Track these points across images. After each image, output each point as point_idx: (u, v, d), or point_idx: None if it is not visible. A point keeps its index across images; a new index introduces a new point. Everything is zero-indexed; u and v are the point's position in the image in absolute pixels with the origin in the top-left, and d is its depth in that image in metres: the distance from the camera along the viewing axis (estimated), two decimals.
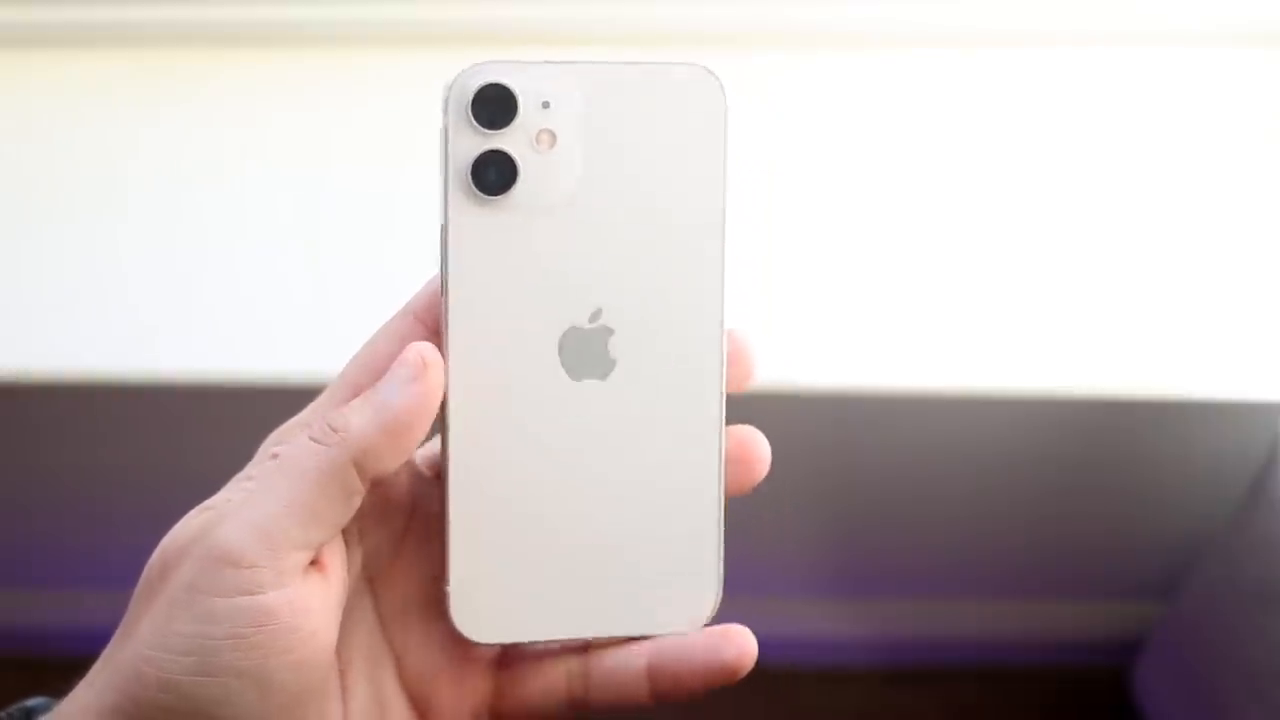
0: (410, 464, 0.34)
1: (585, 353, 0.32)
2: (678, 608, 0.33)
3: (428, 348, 0.31)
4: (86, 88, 0.74)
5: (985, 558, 0.94)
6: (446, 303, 0.31)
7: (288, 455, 0.30)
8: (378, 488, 0.31)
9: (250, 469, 0.32)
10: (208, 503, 0.32)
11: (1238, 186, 0.70)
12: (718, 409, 0.33)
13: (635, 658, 0.33)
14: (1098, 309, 0.65)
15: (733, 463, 0.34)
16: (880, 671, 1.02)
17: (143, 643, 0.29)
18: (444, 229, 0.30)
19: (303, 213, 0.68)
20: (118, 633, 0.31)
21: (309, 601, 0.30)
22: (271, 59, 0.75)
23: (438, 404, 0.31)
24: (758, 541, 0.93)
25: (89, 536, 0.83)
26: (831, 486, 0.85)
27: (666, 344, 0.32)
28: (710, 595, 0.34)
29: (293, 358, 0.64)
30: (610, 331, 0.32)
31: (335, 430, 0.30)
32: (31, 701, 0.33)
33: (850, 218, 0.68)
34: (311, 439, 0.30)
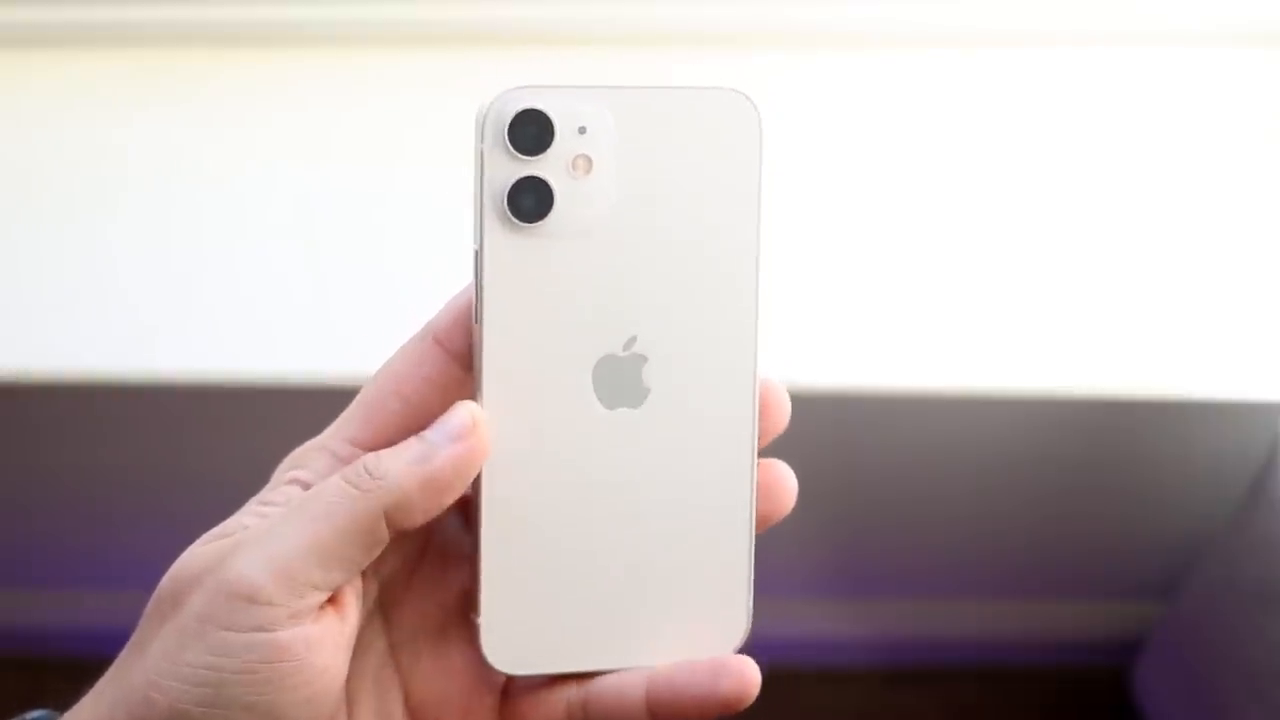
0: None
1: (619, 381, 0.32)
2: (707, 638, 0.33)
3: (477, 408, 0.31)
4: (86, 88, 0.74)
5: (985, 558, 0.94)
6: (481, 330, 0.31)
7: (317, 494, 0.30)
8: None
9: (268, 494, 0.32)
10: (221, 527, 0.31)
11: (1238, 186, 0.70)
12: (750, 440, 0.33)
13: (634, 687, 0.33)
14: (1098, 309, 0.65)
15: (761, 495, 0.34)
16: (880, 671, 1.02)
17: (153, 669, 0.29)
18: (478, 255, 0.30)
19: (302, 212, 0.68)
20: (126, 651, 0.30)
21: (323, 639, 0.29)
22: (271, 59, 0.75)
23: (480, 467, 0.31)
24: (758, 541, 0.93)
25: (89, 536, 0.83)
26: (831, 486, 0.85)
27: (700, 373, 0.32)
28: (739, 627, 0.34)
29: (292, 358, 0.64)
30: (644, 360, 0.32)
31: (373, 476, 0.30)
32: (33, 714, 0.32)
33: (850, 217, 0.68)
34: (346, 480, 0.30)
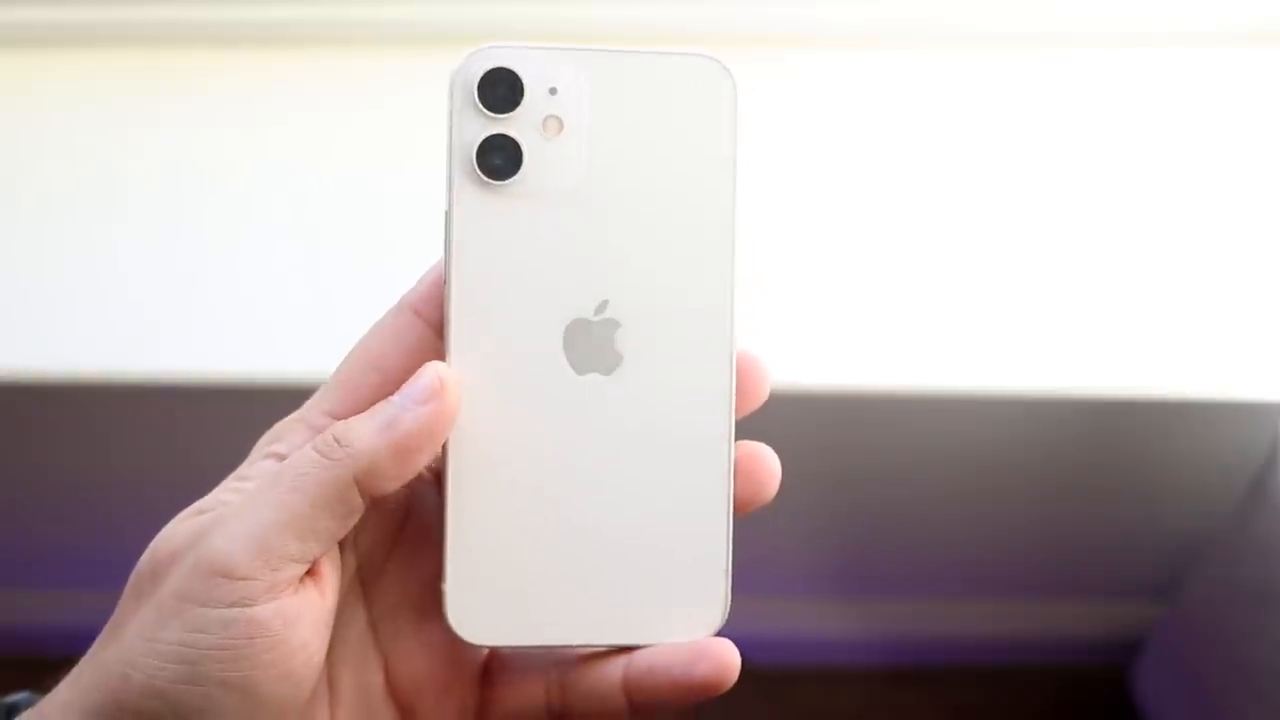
0: None
1: (590, 346, 0.31)
2: (682, 618, 0.32)
3: (445, 368, 0.30)
4: (87, 88, 0.74)
5: (985, 558, 0.94)
6: (449, 290, 0.30)
7: (289, 465, 0.30)
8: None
9: (246, 469, 0.32)
10: (200, 504, 0.31)
11: (1238, 186, 0.70)
12: (727, 412, 0.32)
13: (612, 669, 0.32)
14: (1098, 309, 0.65)
15: (742, 477, 0.33)
16: (880, 671, 1.02)
17: (130, 647, 0.29)
18: (448, 215, 0.30)
19: (303, 213, 0.68)
20: (105, 632, 0.30)
21: (301, 613, 0.29)
22: (271, 59, 0.75)
23: (449, 429, 0.30)
24: (758, 541, 0.93)
25: (89, 536, 0.83)
26: (831, 486, 0.85)
27: (674, 341, 0.31)
28: (717, 607, 0.33)
29: (293, 358, 0.64)
30: (617, 325, 0.31)
31: (341, 444, 0.29)
32: (13, 697, 0.32)
33: (851, 217, 0.68)
34: (316, 450, 0.30)
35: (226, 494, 0.31)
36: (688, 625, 0.32)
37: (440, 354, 0.31)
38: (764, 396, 0.33)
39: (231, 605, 0.28)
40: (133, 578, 0.30)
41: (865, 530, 0.91)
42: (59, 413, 0.73)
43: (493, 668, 0.34)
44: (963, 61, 0.75)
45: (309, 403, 0.33)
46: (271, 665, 0.29)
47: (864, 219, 0.68)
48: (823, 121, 0.72)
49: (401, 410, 0.30)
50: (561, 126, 0.30)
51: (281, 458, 0.31)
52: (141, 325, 0.65)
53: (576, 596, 0.32)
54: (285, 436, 0.32)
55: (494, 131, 0.29)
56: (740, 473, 0.33)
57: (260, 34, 0.75)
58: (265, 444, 0.32)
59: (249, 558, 0.28)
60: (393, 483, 0.30)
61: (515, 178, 0.30)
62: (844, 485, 0.85)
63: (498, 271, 0.30)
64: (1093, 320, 0.65)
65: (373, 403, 0.31)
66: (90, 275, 0.66)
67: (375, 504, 0.30)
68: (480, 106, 0.29)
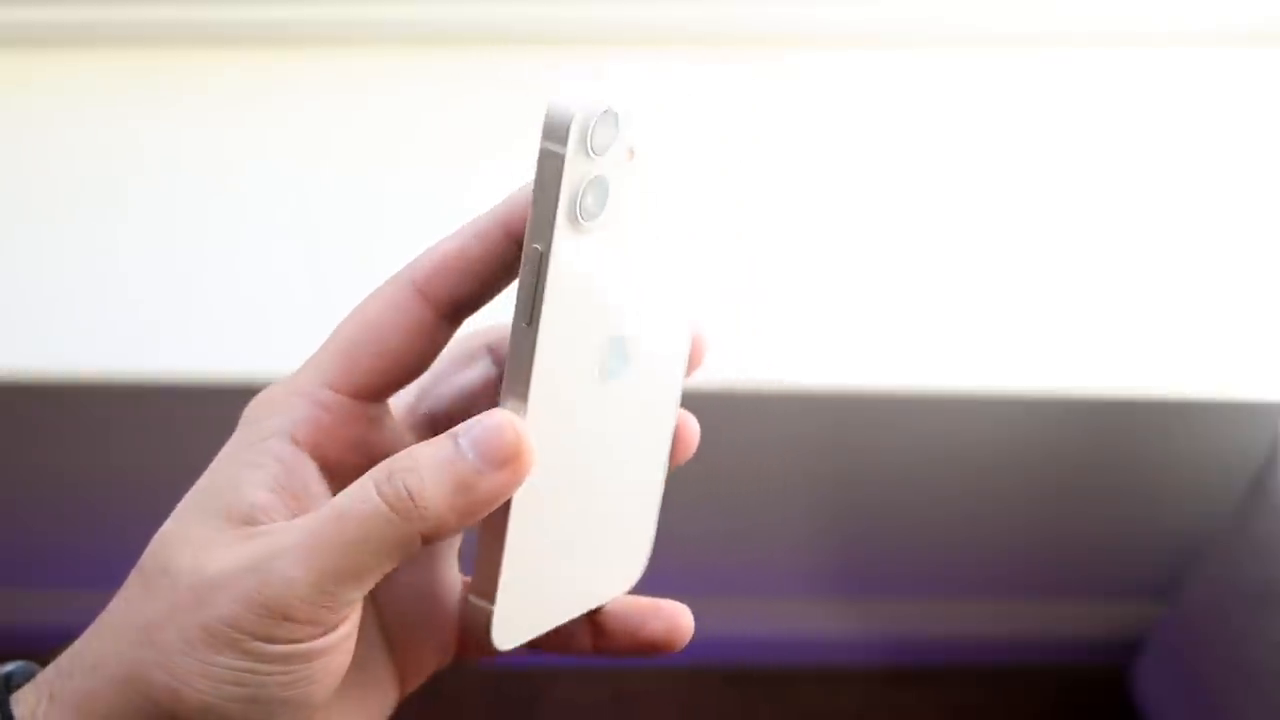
0: (400, 414, 0.34)
1: (611, 356, 0.32)
2: (624, 574, 0.35)
3: (520, 426, 0.30)
4: (87, 88, 0.74)
5: (985, 557, 0.94)
6: (536, 333, 0.30)
7: (353, 512, 0.29)
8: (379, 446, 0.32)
9: (252, 450, 0.31)
10: (207, 489, 0.31)
11: (1238, 186, 0.70)
12: (679, 389, 0.35)
13: (578, 624, 0.35)
14: (1098, 309, 0.65)
15: (679, 443, 0.35)
16: (880, 671, 1.02)
17: (177, 663, 0.28)
18: (541, 256, 0.29)
19: (303, 212, 0.68)
20: (117, 622, 0.30)
21: (350, 631, 0.30)
22: (271, 59, 0.75)
23: (519, 487, 0.30)
24: (758, 541, 0.93)
25: (89, 536, 0.83)
26: (831, 486, 0.85)
27: (656, 346, 0.33)
28: (645, 557, 0.36)
29: (292, 357, 0.64)
30: (626, 339, 0.33)
31: (415, 503, 0.29)
32: (8, 667, 0.32)
33: (851, 217, 0.68)
34: (384, 499, 0.29)
35: (254, 490, 0.30)
36: (625, 577, 0.36)
37: (440, 331, 0.32)
38: (701, 359, 0.35)
39: (291, 643, 0.29)
40: (142, 568, 0.30)
41: (865, 530, 0.91)
42: (59, 413, 0.73)
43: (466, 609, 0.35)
44: (963, 61, 0.75)
45: (304, 370, 0.32)
46: (326, 676, 0.29)
47: (864, 219, 0.68)
48: (823, 121, 0.72)
49: (477, 475, 0.29)
50: (632, 157, 0.30)
51: (297, 441, 0.31)
52: (141, 325, 0.65)
53: (574, 580, 0.34)
54: (287, 410, 0.31)
55: (597, 174, 0.29)
56: (678, 439, 0.35)
57: (260, 34, 0.75)
58: (263, 415, 0.32)
59: (312, 606, 0.28)
60: (453, 536, 0.31)
61: (600, 217, 0.30)
62: (844, 485, 0.85)
63: (573, 309, 0.31)
64: (1093, 320, 0.65)
65: (374, 378, 0.31)
66: (90, 275, 0.66)
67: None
68: (590, 149, 0.29)
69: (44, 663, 0.31)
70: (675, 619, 0.34)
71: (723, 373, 0.63)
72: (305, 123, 0.72)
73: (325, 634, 0.29)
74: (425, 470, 0.29)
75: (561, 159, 0.29)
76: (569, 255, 0.29)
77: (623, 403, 0.33)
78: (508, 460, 0.29)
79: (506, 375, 0.30)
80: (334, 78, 0.74)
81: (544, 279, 0.29)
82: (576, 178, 0.29)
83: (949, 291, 0.66)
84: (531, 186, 0.29)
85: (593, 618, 0.35)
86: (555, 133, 0.29)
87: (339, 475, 0.31)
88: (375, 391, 0.32)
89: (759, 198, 0.69)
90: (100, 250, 0.67)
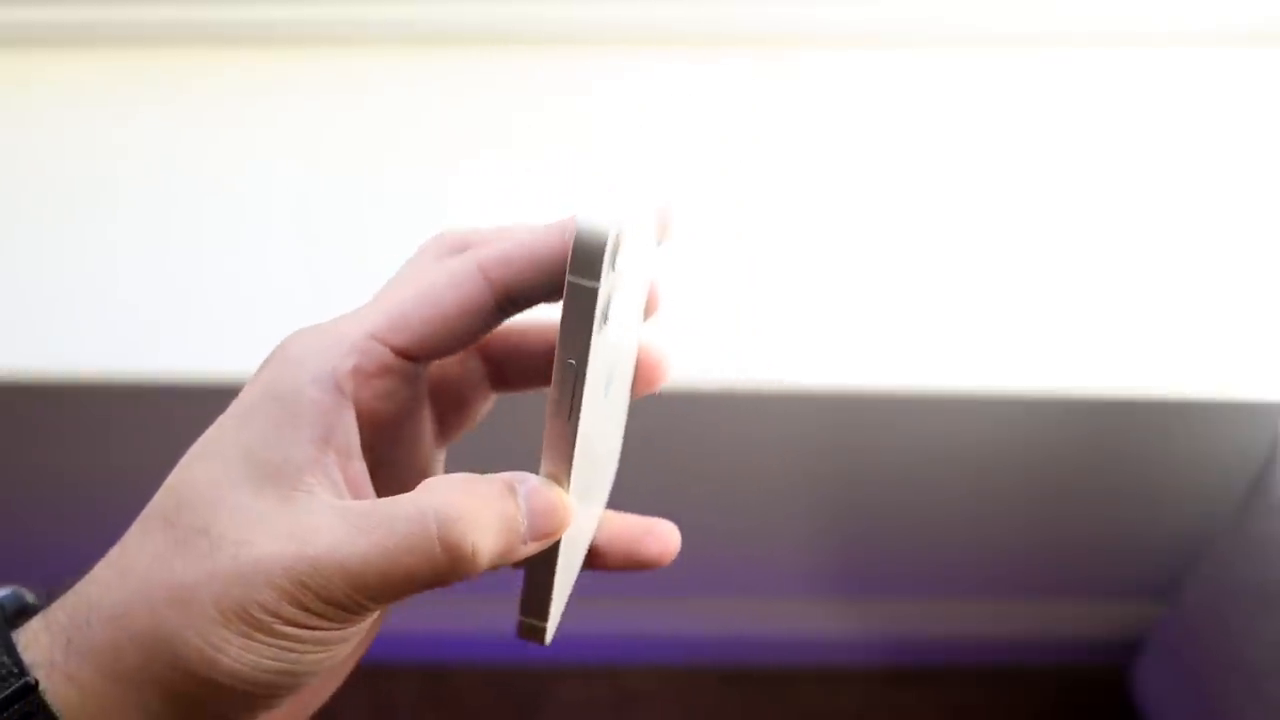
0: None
1: (611, 382, 0.35)
2: (600, 504, 0.39)
3: (566, 500, 0.32)
4: (86, 88, 0.74)
5: (985, 558, 0.94)
6: (574, 427, 0.32)
7: (406, 549, 0.30)
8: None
9: (288, 399, 0.32)
10: (232, 427, 0.32)
11: (1238, 186, 0.70)
12: (636, 346, 0.38)
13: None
14: (1097, 309, 0.65)
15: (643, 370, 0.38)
16: (880, 671, 1.02)
17: (212, 632, 0.28)
18: (579, 373, 0.31)
19: (302, 212, 0.68)
20: (145, 571, 0.29)
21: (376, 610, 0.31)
22: (269, 59, 0.75)
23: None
24: (758, 541, 0.93)
25: (89, 536, 0.83)
26: (831, 486, 0.85)
27: (624, 366, 0.37)
28: (613, 474, 0.41)
29: None
30: (621, 358, 0.36)
31: (474, 557, 0.30)
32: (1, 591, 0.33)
33: (851, 217, 0.68)
34: (446, 552, 0.30)
35: (269, 421, 0.31)
36: (603, 503, 0.39)
37: (494, 314, 0.33)
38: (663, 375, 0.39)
39: (330, 630, 0.30)
40: (162, 522, 0.30)
41: (865, 530, 0.91)
42: (59, 413, 0.73)
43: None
44: (963, 61, 0.75)
45: (347, 319, 0.33)
46: (354, 649, 0.32)
47: (864, 219, 0.68)
48: (823, 121, 0.72)
49: (523, 544, 0.31)
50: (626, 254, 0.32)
51: (340, 389, 0.31)
52: (140, 325, 0.65)
53: (582, 553, 0.37)
54: (326, 351, 0.32)
55: (614, 284, 0.31)
56: (642, 367, 0.38)
57: (260, 34, 0.75)
58: (302, 355, 0.32)
59: (346, 612, 0.30)
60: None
61: (612, 310, 0.31)
62: (844, 485, 0.85)
63: (597, 384, 0.32)
64: (1093, 320, 0.65)
65: (422, 341, 0.32)
66: (89, 275, 0.66)
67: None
68: (613, 265, 0.30)
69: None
70: (666, 538, 0.38)
71: (723, 373, 0.63)
72: (304, 122, 0.72)
73: (357, 624, 0.30)
74: (486, 530, 0.30)
75: (594, 292, 0.30)
76: (595, 353, 0.31)
77: (613, 401, 0.36)
78: (552, 532, 0.32)
79: (547, 452, 0.32)
80: (332, 78, 0.74)
81: (580, 387, 0.31)
82: (604, 299, 0.30)
83: (949, 292, 0.66)
84: (565, 282, 0.30)
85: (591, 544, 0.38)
86: (587, 270, 0.29)
87: (371, 424, 0.33)
88: (417, 353, 0.33)
89: (759, 198, 0.69)
90: (99, 250, 0.67)
